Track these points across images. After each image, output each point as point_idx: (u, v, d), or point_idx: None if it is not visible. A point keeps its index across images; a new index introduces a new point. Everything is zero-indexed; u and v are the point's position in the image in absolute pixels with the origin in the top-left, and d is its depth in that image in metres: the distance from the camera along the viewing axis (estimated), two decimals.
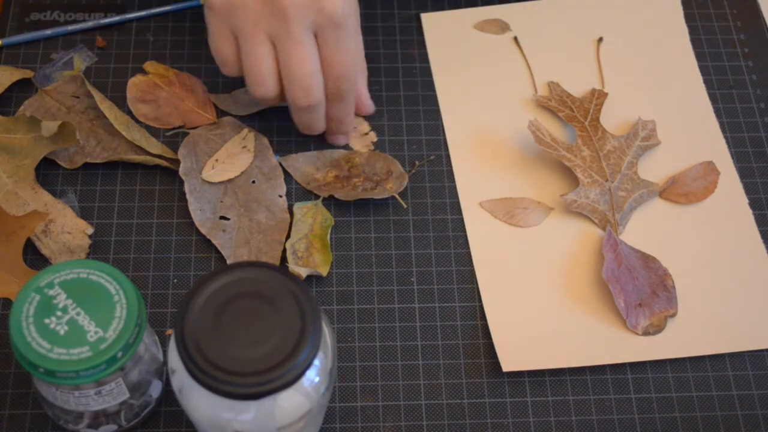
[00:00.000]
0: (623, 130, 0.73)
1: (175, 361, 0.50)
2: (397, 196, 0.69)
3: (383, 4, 0.79)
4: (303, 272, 0.64)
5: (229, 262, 0.65)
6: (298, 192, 0.69)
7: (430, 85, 0.75)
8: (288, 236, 0.66)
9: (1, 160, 0.67)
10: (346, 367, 0.62)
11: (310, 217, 0.67)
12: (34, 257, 0.65)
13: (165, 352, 0.61)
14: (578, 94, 0.74)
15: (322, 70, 0.64)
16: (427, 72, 0.76)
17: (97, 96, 0.70)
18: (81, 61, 0.74)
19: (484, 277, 0.66)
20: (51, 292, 0.52)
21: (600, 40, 0.78)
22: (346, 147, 0.71)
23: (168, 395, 0.60)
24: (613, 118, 0.74)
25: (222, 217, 0.67)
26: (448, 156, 0.71)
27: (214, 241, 0.66)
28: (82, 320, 0.51)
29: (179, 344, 0.47)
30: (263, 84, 0.64)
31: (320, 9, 0.62)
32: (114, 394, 0.54)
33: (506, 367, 0.62)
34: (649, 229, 0.68)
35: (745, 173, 0.72)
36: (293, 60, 0.62)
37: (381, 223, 0.68)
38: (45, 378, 0.50)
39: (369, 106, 0.71)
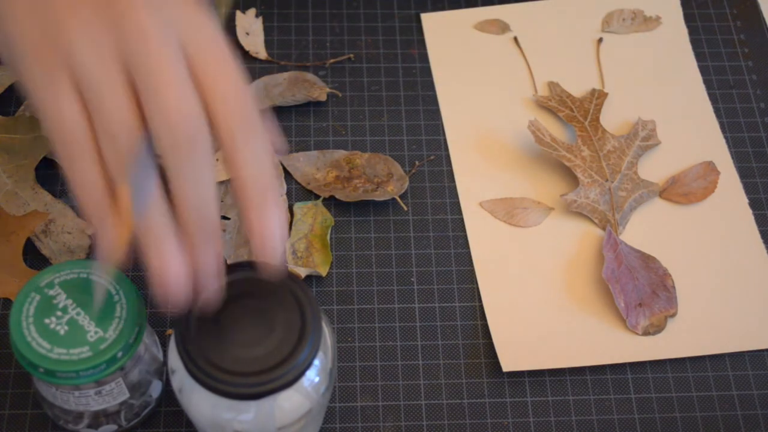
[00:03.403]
0: (623, 130, 0.73)
1: (175, 361, 0.50)
2: (398, 199, 0.69)
3: (383, 4, 0.79)
4: (302, 272, 0.64)
5: (229, 262, 0.65)
6: (298, 192, 0.69)
7: (430, 85, 0.75)
8: (288, 236, 0.66)
9: (1, 160, 0.67)
10: (346, 367, 0.62)
11: (310, 217, 0.67)
12: (34, 257, 0.65)
13: (165, 352, 0.61)
14: (578, 94, 0.74)
15: (206, 101, 0.44)
16: (427, 72, 0.76)
17: None
18: None
19: (484, 277, 0.66)
20: (51, 292, 0.52)
21: (600, 40, 0.78)
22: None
23: (168, 395, 0.60)
24: (613, 118, 0.74)
25: (223, 217, 0.67)
26: (448, 156, 0.71)
27: None
28: (82, 320, 0.51)
29: (179, 344, 0.47)
30: (129, 133, 0.43)
31: (182, 21, 0.44)
32: (114, 394, 0.54)
33: (506, 367, 0.62)
34: (649, 229, 0.68)
35: (745, 173, 0.72)
36: (158, 81, 0.42)
37: (381, 223, 0.68)
38: (45, 378, 0.50)
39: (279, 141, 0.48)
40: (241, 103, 0.43)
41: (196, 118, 0.42)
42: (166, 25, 0.43)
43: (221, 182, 0.68)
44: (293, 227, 0.67)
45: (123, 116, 0.42)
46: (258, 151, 0.44)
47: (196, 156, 0.42)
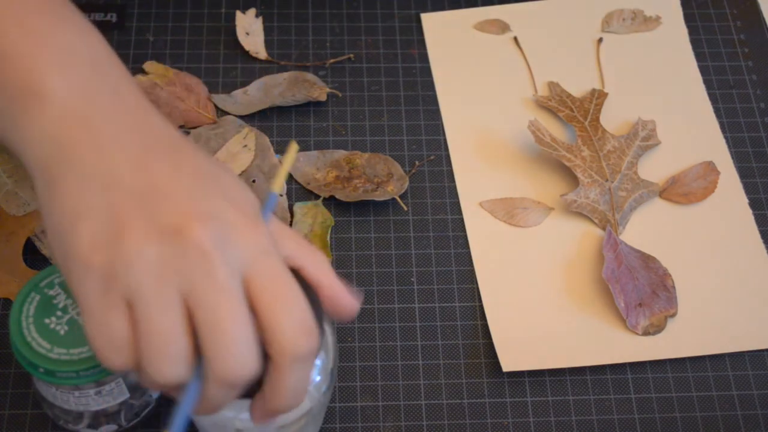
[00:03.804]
0: (623, 130, 0.73)
1: None
2: (398, 199, 0.69)
3: (383, 4, 0.79)
4: None
5: None
6: (298, 192, 0.69)
7: (430, 85, 0.75)
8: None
9: (1, 160, 0.67)
10: (346, 367, 0.62)
11: (310, 217, 0.67)
12: (34, 257, 0.65)
13: None
14: (578, 94, 0.74)
15: (262, 328, 0.43)
16: (427, 72, 0.76)
17: None
18: None
19: (484, 277, 0.66)
20: (51, 292, 0.52)
21: (600, 40, 0.78)
22: None
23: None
24: (613, 118, 0.74)
25: None
26: (448, 156, 0.71)
27: None
28: (81, 320, 0.51)
29: None
30: (172, 357, 0.42)
31: (243, 240, 0.42)
32: (114, 394, 0.54)
33: (506, 367, 0.62)
34: (649, 229, 0.68)
35: (745, 173, 0.72)
36: (219, 314, 0.41)
37: (381, 224, 0.68)
38: (45, 378, 0.50)
39: (349, 302, 0.46)
40: (296, 338, 0.42)
41: (251, 366, 0.42)
42: (229, 255, 0.42)
43: None
44: (293, 228, 0.67)
45: (174, 361, 0.42)
46: (296, 386, 0.44)
47: (233, 395, 0.43)
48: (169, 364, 0.41)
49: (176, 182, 0.43)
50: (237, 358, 0.41)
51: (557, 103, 0.74)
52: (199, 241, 0.41)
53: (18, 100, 0.43)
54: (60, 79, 0.43)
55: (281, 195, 0.68)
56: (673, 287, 0.65)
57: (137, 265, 0.41)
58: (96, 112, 0.43)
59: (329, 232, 0.67)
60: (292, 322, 0.42)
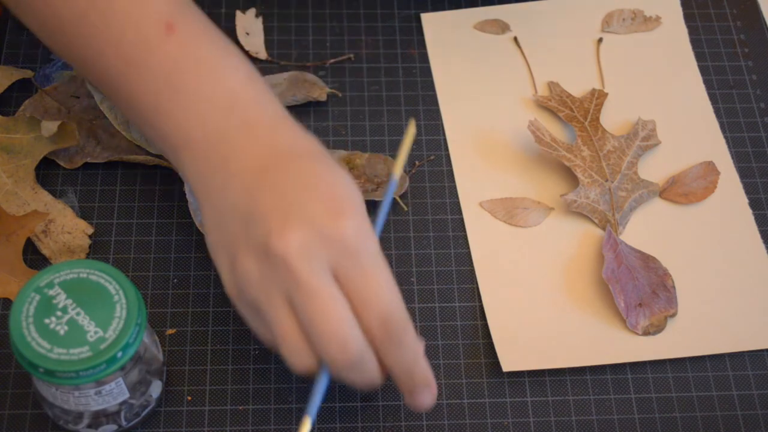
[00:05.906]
0: (623, 130, 0.73)
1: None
2: (398, 199, 0.69)
3: (383, 4, 0.79)
4: None
5: None
6: None
7: (430, 85, 0.75)
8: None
9: (1, 160, 0.67)
10: None
11: None
12: (34, 257, 0.65)
13: (165, 352, 0.61)
14: (578, 94, 0.74)
15: (357, 316, 0.51)
16: (427, 72, 0.76)
17: (97, 96, 0.70)
18: None
19: (484, 277, 0.66)
20: (51, 292, 0.52)
21: (600, 40, 0.78)
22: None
23: (168, 395, 0.60)
24: (613, 118, 0.74)
25: None
26: (448, 156, 0.71)
27: None
28: (82, 320, 0.51)
29: None
30: (296, 353, 0.51)
31: (326, 239, 0.50)
32: (114, 394, 0.54)
33: (506, 367, 0.62)
34: (649, 229, 0.68)
35: (745, 173, 0.72)
36: (313, 314, 0.49)
37: None
38: (45, 378, 0.50)
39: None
40: (389, 321, 0.51)
41: (354, 343, 0.50)
42: (314, 260, 0.49)
43: None
44: None
45: (292, 354, 0.51)
46: (404, 356, 0.52)
47: (359, 372, 0.52)
48: (291, 350, 0.51)
49: (276, 201, 0.50)
50: (339, 341, 0.49)
51: (557, 103, 0.74)
52: (283, 256, 0.49)
53: (172, 148, 0.55)
54: (199, 129, 0.53)
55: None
56: (673, 287, 0.65)
57: (246, 282, 0.51)
58: (228, 149, 0.53)
59: None
60: (378, 311, 0.50)
